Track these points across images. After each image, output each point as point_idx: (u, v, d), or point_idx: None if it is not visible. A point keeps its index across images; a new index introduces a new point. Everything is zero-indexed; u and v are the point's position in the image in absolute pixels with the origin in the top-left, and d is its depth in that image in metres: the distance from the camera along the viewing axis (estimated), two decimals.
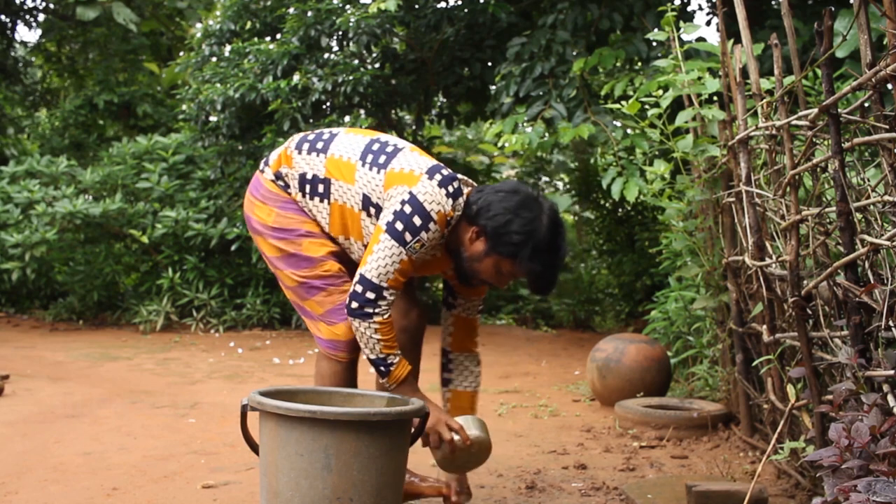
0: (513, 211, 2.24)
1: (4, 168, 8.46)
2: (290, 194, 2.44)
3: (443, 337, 2.58)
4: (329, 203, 2.38)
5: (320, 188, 2.38)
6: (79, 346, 6.61)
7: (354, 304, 2.24)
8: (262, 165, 2.53)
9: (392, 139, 2.42)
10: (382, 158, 2.33)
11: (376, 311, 2.22)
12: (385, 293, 2.22)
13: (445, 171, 2.30)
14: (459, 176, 2.35)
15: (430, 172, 2.27)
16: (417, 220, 2.20)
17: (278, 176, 2.45)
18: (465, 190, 2.33)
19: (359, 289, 2.23)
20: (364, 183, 2.33)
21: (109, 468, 2.99)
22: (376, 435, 1.98)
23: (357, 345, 2.39)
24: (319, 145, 2.43)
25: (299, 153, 2.43)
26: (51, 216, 7.61)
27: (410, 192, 2.22)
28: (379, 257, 2.22)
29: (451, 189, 2.26)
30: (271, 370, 5.60)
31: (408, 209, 2.21)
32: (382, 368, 2.29)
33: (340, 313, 2.36)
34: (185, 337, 7.37)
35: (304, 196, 2.42)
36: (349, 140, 2.42)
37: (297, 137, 2.50)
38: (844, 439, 1.64)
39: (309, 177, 2.40)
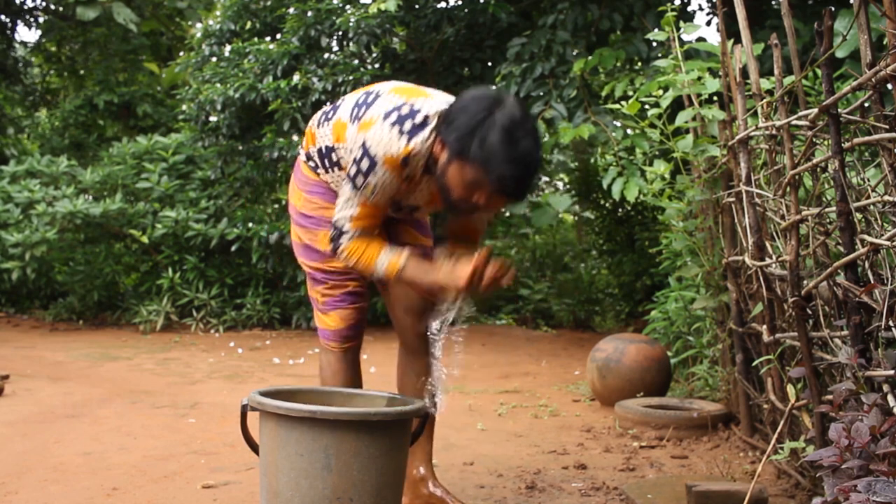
0: (463, 107, 2.10)
1: (5, 168, 8.46)
2: (318, 175, 2.45)
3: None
4: (342, 168, 2.38)
5: (333, 157, 2.38)
6: (79, 346, 6.61)
7: (331, 247, 2.31)
8: (299, 148, 2.55)
9: (382, 86, 2.35)
10: (362, 110, 2.29)
11: (340, 242, 2.27)
12: (346, 228, 2.26)
13: (406, 109, 2.18)
14: (435, 108, 2.19)
15: (387, 114, 2.19)
16: (365, 164, 2.18)
17: (308, 156, 2.47)
18: (436, 112, 2.20)
19: (331, 235, 2.30)
20: (349, 138, 2.32)
21: (109, 468, 2.99)
22: (376, 435, 1.98)
23: (348, 334, 2.46)
24: (331, 115, 2.42)
25: (318, 128, 2.44)
26: (51, 216, 7.61)
27: (364, 139, 2.20)
28: (340, 202, 2.27)
29: (406, 126, 2.16)
30: (271, 370, 5.60)
31: (359, 154, 2.20)
32: (376, 278, 2.33)
33: (334, 304, 2.44)
34: (185, 337, 7.37)
35: (327, 171, 2.41)
36: (349, 100, 2.40)
37: (318, 113, 2.50)
38: (844, 439, 1.64)
39: (324, 150, 2.40)
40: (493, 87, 2.20)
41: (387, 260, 2.26)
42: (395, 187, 2.22)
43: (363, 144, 2.19)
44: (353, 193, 2.22)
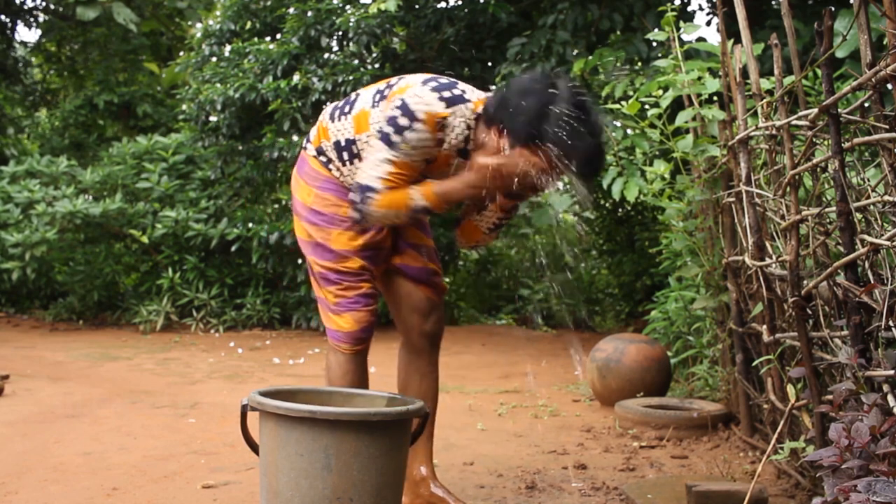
0: (522, 91, 2.12)
1: (4, 168, 8.46)
2: (330, 171, 2.42)
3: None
4: (362, 160, 2.35)
5: (354, 149, 2.36)
6: (79, 346, 6.61)
7: (356, 215, 2.26)
8: (304, 142, 2.52)
9: (407, 76, 2.38)
10: (387, 91, 2.31)
11: (370, 197, 2.22)
12: (377, 185, 2.21)
13: (444, 80, 2.24)
14: (470, 87, 2.27)
15: (425, 81, 2.23)
16: (404, 121, 2.18)
17: (320, 151, 2.44)
18: (476, 98, 2.25)
19: (353, 198, 2.26)
20: (375, 121, 2.31)
21: (109, 468, 2.99)
22: (376, 435, 1.98)
23: (361, 336, 2.41)
24: (347, 108, 2.41)
25: (332, 122, 2.42)
26: (51, 216, 7.61)
27: (402, 99, 2.20)
28: (368, 162, 2.23)
29: (445, 95, 2.20)
30: (271, 370, 5.60)
31: (397, 113, 2.19)
32: (414, 215, 2.28)
33: (348, 305, 2.39)
34: (185, 337, 7.37)
35: (344, 164, 2.38)
36: (366, 93, 2.40)
37: (330, 107, 2.49)
38: (844, 439, 1.64)
39: (343, 143, 2.38)
40: (538, 71, 2.22)
41: (418, 189, 2.23)
42: (429, 150, 2.23)
43: (401, 105, 2.19)
44: (387, 153, 2.20)
